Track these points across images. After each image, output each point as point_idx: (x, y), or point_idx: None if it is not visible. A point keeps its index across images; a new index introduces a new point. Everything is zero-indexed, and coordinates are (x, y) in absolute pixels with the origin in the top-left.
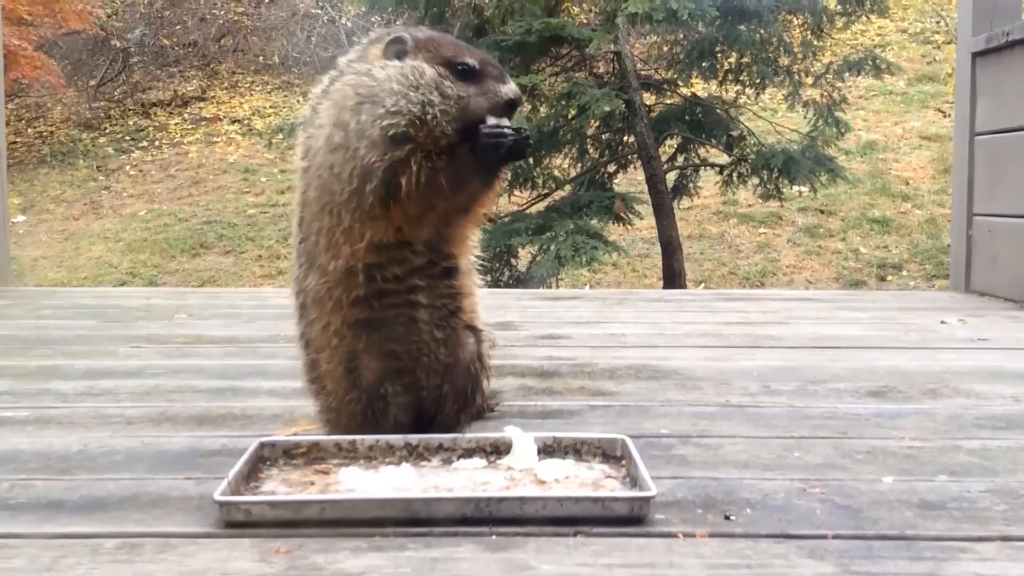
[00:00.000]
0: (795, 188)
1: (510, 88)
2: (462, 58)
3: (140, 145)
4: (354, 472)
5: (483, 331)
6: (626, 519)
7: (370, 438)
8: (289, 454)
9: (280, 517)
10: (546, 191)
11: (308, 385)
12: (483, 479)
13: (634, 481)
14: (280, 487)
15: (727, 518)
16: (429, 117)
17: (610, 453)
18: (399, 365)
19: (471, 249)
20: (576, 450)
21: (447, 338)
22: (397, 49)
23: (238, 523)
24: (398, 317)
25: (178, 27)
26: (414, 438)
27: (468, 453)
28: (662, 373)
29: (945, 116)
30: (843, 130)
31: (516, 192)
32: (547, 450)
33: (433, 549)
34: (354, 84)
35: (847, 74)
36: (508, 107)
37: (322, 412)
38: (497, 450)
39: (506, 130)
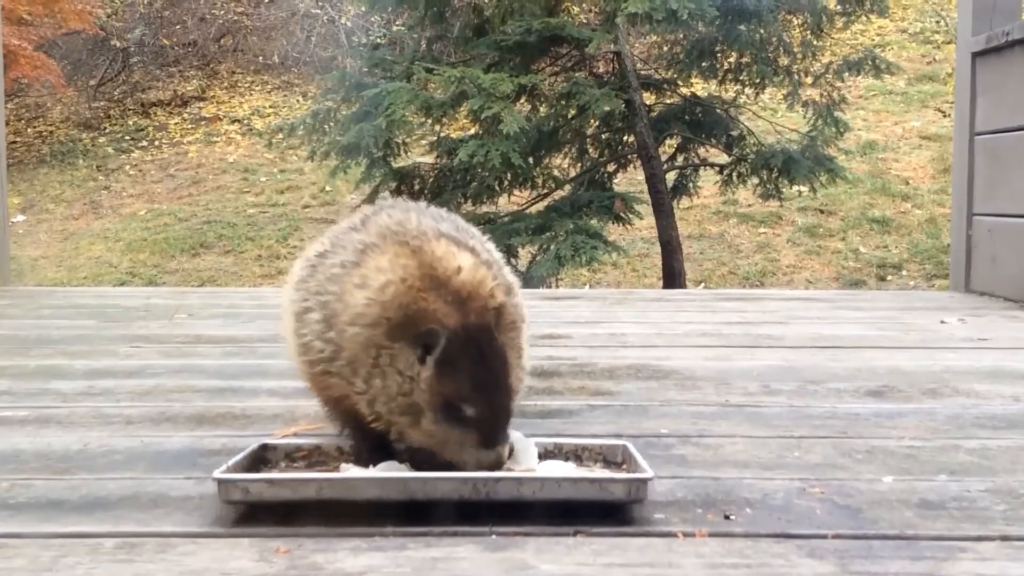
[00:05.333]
0: (795, 188)
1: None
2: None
3: (140, 145)
4: (353, 467)
5: None
6: (624, 513)
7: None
8: (291, 457)
9: (278, 496)
10: (546, 191)
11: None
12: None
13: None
14: None
15: (727, 518)
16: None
17: (611, 459)
18: None
19: None
20: (577, 456)
21: None
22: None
23: (236, 501)
24: None
25: (178, 27)
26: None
27: None
28: (662, 373)
29: (945, 116)
30: (843, 130)
31: (516, 192)
32: (548, 455)
33: (433, 548)
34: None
35: (847, 74)
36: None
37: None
38: None
39: None
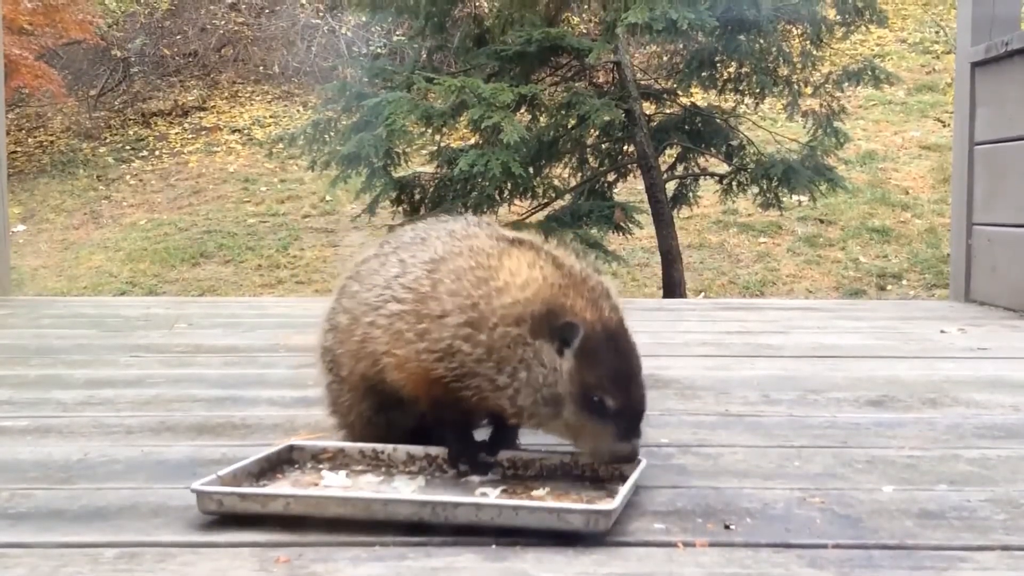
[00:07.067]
0: (795, 198)
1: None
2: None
3: (140, 155)
4: (339, 477)
5: None
6: (584, 532)
7: (401, 448)
8: (316, 458)
9: (249, 509)
10: (546, 200)
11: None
12: (482, 490)
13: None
14: (285, 485)
15: (727, 527)
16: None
17: (628, 473)
18: None
19: None
20: (594, 468)
21: None
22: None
23: (211, 512)
24: None
25: (178, 37)
26: (434, 450)
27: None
28: (662, 382)
29: (944, 126)
30: (842, 140)
31: (516, 201)
32: (563, 468)
33: (433, 558)
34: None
35: (846, 84)
36: None
37: (335, 415)
38: (514, 465)
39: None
